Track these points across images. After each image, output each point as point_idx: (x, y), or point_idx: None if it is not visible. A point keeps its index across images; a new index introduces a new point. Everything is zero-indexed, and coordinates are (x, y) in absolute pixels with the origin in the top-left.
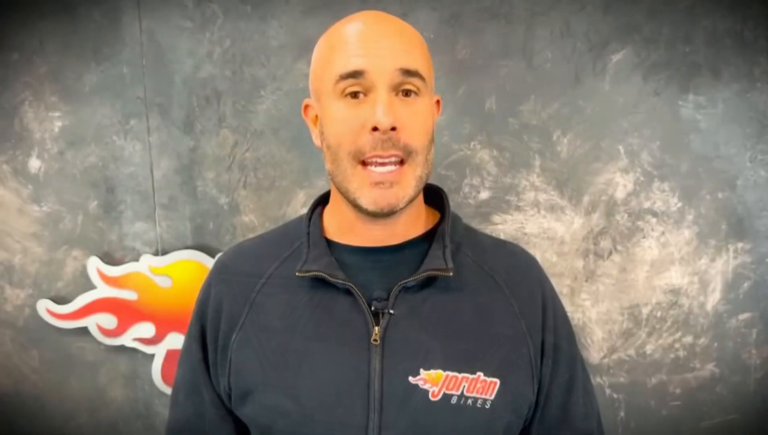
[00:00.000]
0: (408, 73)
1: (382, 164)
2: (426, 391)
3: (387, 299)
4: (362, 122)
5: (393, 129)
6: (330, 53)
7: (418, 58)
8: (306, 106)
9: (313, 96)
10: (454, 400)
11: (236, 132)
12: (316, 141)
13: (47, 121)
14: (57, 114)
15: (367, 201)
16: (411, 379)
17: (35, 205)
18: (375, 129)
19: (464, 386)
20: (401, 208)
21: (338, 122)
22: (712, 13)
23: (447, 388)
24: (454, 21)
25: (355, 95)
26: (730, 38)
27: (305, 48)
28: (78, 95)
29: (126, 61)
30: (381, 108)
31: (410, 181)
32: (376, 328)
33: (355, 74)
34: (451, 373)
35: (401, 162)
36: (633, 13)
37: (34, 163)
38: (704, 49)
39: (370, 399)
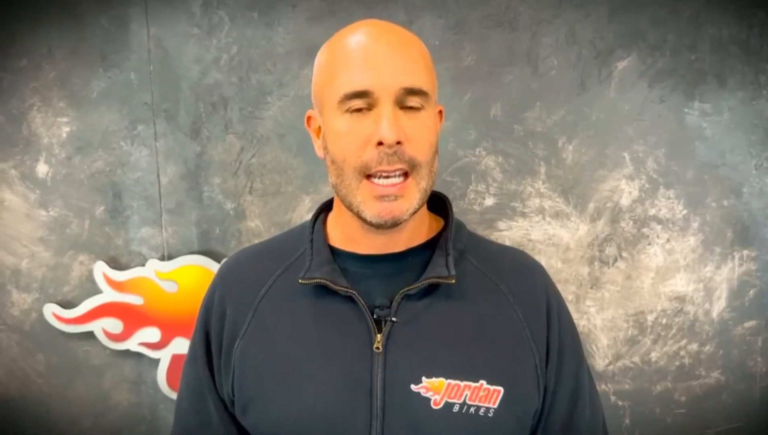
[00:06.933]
0: (412, 91)
1: (387, 177)
2: (428, 399)
3: (389, 307)
4: (367, 136)
5: (398, 143)
6: (333, 68)
7: (421, 75)
8: (309, 117)
9: (316, 107)
10: (456, 409)
11: (242, 138)
12: (319, 152)
13: (55, 127)
14: (65, 119)
15: (371, 214)
16: (413, 386)
17: (42, 210)
18: (380, 143)
19: (467, 394)
20: (405, 220)
21: (342, 137)
22: (717, 20)
23: (449, 396)
24: (459, 28)
25: (358, 109)
26: (735, 46)
27: (311, 54)
28: (85, 101)
29: (133, 67)
30: (386, 122)
31: (414, 194)
32: (379, 336)
33: (360, 94)
34: (453, 381)
35: (406, 174)
36: (638, 20)
37: (42, 168)
38: (710, 56)
39: (373, 407)
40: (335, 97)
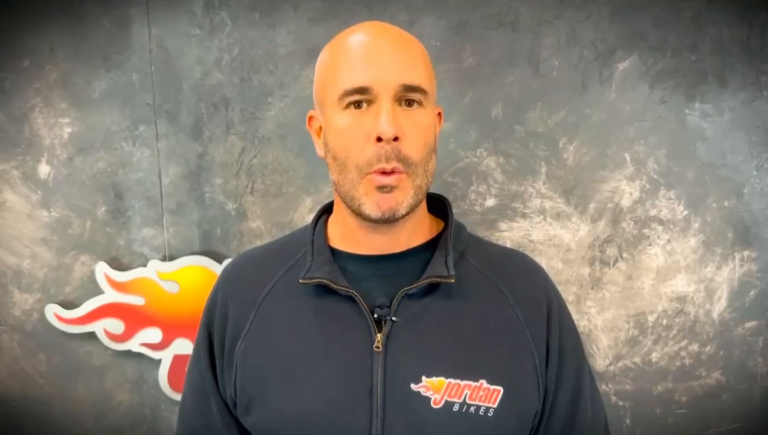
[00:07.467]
0: (410, 88)
1: (385, 173)
2: (428, 399)
3: (389, 306)
4: (367, 132)
5: (395, 139)
6: (334, 66)
7: (420, 73)
8: (310, 118)
9: (317, 107)
10: (456, 408)
11: (244, 138)
12: (320, 151)
13: (57, 127)
14: (66, 120)
15: (370, 206)
16: (413, 386)
17: (44, 211)
18: (379, 139)
19: (466, 394)
20: (403, 215)
21: (343, 133)
22: (718, 21)
23: (449, 396)
24: (460, 29)
25: (358, 105)
26: (736, 46)
27: (313, 55)
28: (87, 102)
29: (135, 68)
30: (384, 118)
31: (409, 189)
32: (379, 336)
33: (360, 90)
34: (453, 381)
35: (401, 171)
36: (639, 21)
37: (44, 169)
38: (710, 57)
39: (373, 406)
40: (336, 93)
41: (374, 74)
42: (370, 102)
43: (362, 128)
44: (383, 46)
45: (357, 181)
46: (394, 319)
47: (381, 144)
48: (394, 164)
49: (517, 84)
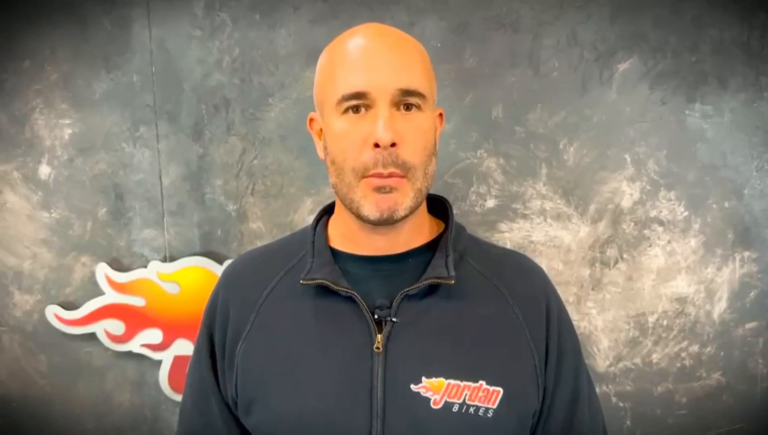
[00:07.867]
0: (408, 93)
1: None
2: (427, 399)
3: (390, 307)
4: (364, 137)
5: (393, 144)
6: (332, 71)
7: (418, 77)
8: (311, 120)
9: (317, 109)
10: (455, 408)
11: (244, 139)
12: (320, 153)
13: (57, 129)
14: (67, 121)
15: (369, 208)
16: (413, 386)
17: (45, 212)
18: (376, 145)
19: (466, 394)
20: (402, 217)
21: (341, 137)
22: (718, 22)
23: (449, 396)
24: (461, 30)
25: (356, 110)
26: (736, 47)
27: (313, 56)
28: (88, 103)
29: (136, 69)
30: (381, 124)
31: (408, 192)
32: (379, 336)
33: (357, 95)
34: (453, 381)
35: (399, 175)
36: (640, 22)
37: (44, 170)
38: (711, 58)
39: (373, 406)
40: (334, 98)
41: (371, 79)
42: (368, 107)
43: (360, 133)
44: (381, 50)
45: (354, 184)
46: (394, 319)
47: (378, 149)
48: (391, 169)
49: (518, 85)
